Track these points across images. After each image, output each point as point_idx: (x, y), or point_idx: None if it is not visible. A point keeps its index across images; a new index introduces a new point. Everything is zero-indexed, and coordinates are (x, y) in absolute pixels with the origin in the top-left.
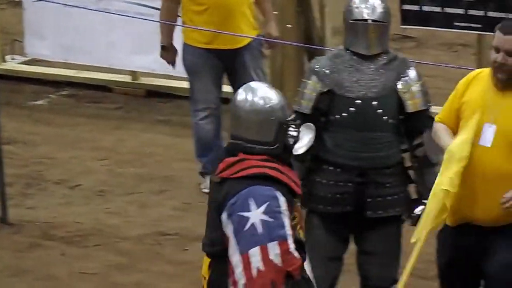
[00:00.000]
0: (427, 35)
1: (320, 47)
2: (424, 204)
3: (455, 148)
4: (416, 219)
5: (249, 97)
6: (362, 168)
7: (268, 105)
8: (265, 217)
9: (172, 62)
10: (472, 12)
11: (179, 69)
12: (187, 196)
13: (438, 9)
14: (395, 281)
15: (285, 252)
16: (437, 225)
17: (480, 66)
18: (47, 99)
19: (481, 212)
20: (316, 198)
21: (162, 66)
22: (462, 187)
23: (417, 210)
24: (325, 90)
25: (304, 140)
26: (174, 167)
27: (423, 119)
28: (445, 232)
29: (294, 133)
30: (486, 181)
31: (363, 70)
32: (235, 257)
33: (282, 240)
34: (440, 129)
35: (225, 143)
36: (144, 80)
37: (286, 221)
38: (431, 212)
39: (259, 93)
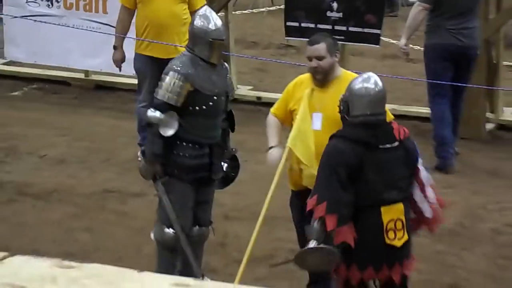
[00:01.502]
0: (305, 45)
1: (226, 53)
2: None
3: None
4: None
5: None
6: (211, 144)
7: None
8: None
9: (118, 61)
10: (337, 27)
11: (122, 69)
12: (125, 163)
13: (312, 25)
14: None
15: None
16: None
17: (343, 66)
18: (21, 91)
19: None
20: (181, 167)
21: (107, 66)
22: (301, 162)
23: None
24: (192, 89)
25: (173, 125)
26: (116, 141)
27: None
28: (293, 197)
29: None
30: (319, 156)
31: (215, 74)
32: (428, 188)
33: None
34: (269, 123)
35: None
36: (94, 77)
37: None
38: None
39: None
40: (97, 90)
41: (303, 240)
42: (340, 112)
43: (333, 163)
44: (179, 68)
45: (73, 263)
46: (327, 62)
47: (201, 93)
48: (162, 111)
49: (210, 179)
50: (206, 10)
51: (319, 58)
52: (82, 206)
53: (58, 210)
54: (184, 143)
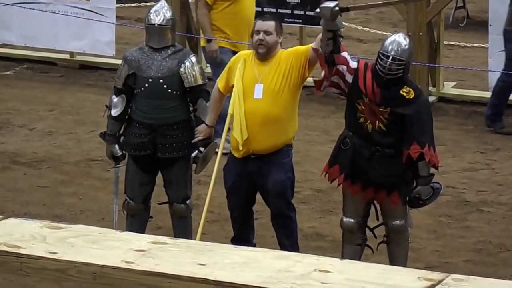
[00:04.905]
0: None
1: (195, 36)
2: (199, 150)
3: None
4: (194, 159)
5: None
6: (154, 124)
7: None
8: None
9: (215, 51)
10: (296, 11)
11: (103, 50)
12: None
13: (273, 10)
14: (188, 197)
15: None
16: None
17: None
18: (13, 70)
19: (258, 144)
20: (128, 145)
21: (90, 48)
22: (246, 129)
23: (193, 154)
24: (130, 72)
25: (118, 106)
26: (99, 115)
27: (200, 91)
28: (232, 163)
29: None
30: (261, 123)
31: (154, 58)
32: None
33: None
34: (212, 98)
35: None
36: (78, 58)
37: None
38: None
39: None
40: (81, 69)
41: (236, 201)
42: (402, 74)
43: (431, 116)
44: (124, 55)
45: (61, 224)
46: (272, 39)
47: (138, 76)
48: (116, 95)
49: (159, 159)
50: (160, 2)
51: (267, 33)
52: (69, 173)
53: (47, 177)
54: (132, 123)
